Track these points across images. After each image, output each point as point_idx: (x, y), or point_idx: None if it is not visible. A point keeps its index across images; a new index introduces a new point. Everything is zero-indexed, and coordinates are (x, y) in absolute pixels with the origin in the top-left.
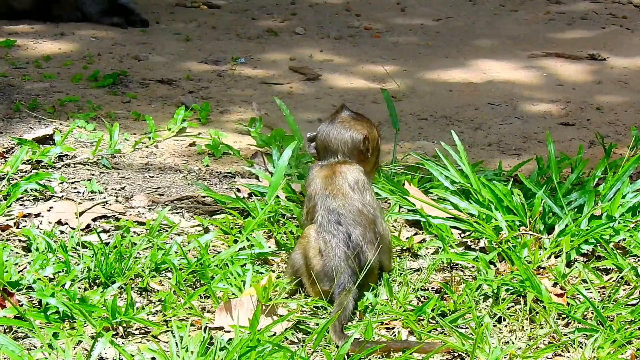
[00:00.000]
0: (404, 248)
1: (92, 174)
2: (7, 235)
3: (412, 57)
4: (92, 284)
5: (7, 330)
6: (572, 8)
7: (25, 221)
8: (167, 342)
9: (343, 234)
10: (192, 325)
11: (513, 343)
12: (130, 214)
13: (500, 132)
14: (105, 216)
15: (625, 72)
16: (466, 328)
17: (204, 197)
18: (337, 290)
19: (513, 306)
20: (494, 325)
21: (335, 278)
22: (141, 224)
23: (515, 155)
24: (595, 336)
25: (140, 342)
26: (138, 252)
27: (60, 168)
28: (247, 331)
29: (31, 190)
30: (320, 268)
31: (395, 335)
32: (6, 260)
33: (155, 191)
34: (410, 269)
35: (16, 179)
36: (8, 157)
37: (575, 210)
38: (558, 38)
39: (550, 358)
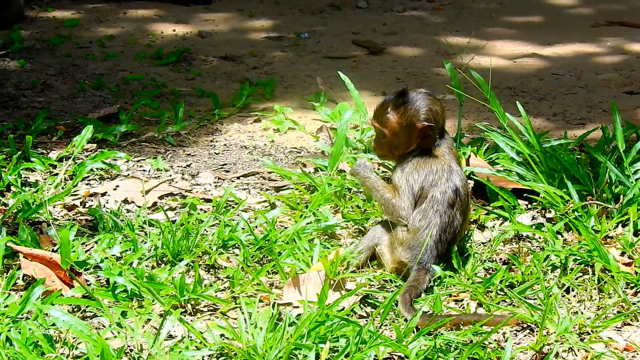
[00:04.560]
0: (472, 220)
1: (158, 152)
2: (73, 214)
3: (475, 29)
4: (160, 262)
5: (75, 310)
6: None
7: (92, 200)
8: (235, 319)
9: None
10: (260, 301)
11: (582, 313)
12: (197, 191)
13: (565, 102)
14: (171, 194)
15: None
16: (535, 299)
17: (269, 172)
18: (416, 268)
19: (581, 276)
20: (563, 296)
21: (419, 255)
22: (207, 201)
23: (581, 124)
24: None
25: (209, 319)
26: (205, 229)
27: (125, 146)
28: (315, 306)
29: (97, 169)
30: (407, 242)
31: (464, 307)
32: (73, 240)
33: (221, 168)
34: (478, 240)
35: (82, 158)
36: (73, 137)
37: None
38: (621, 7)
39: (620, 327)
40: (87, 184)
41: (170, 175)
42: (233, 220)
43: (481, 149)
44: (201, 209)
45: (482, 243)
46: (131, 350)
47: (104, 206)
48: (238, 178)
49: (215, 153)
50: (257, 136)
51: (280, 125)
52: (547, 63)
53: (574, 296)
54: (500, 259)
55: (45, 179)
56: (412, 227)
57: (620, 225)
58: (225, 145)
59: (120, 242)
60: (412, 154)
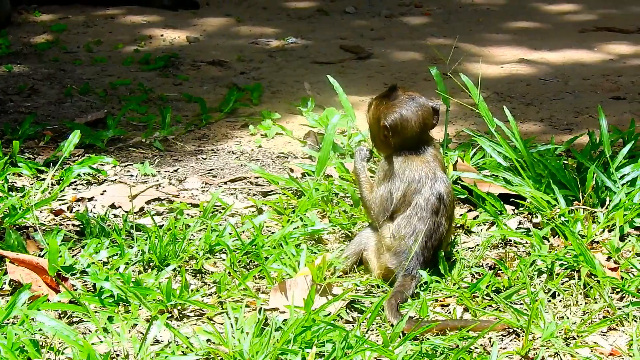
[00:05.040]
0: (458, 225)
1: (145, 157)
2: (60, 219)
3: (463, 34)
4: (146, 267)
5: (61, 315)
6: None
7: (79, 205)
8: (222, 324)
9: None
10: (247, 306)
11: (568, 318)
12: (184, 196)
13: (552, 108)
14: (158, 199)
15: None
16: (521, 304)
17: (257, 177)
18: (402, 274)
19: (567, 281)
20: (549, 301)
21: (405, 262)
22: (195, 205)
23: (567, 130)
24: None
25: (196, 324)
26: (192, 234)
27: (112, 151)
28: (302, 311)
29: (84, 174)
30: (393, 248)
31: (450, 312)
32: (60, 245)
33: (209, 173)
34: (465, 245)
35: (69, 163)
36: (60, 142)
37: (628, 183)
38: (609, 12)
39: (605, 332)
40: (74, 189)
41: (158, 180)
42: (220, 225)
43: (468, 154)
44: (188, 214)
45: (469, 248)
46: (117, 355)
47: (91, 211)
48: (225, 183)
49: (202, 158)
50: (244, 141)
51: (268, 131)
52: (534, 68)
53: (560, 301)
54: (487, 264)
55: (32, 184)
56: (398, 234)
57: (606, 230)
58: (212, 150)
59: (107, 247)
60: (396, 155)
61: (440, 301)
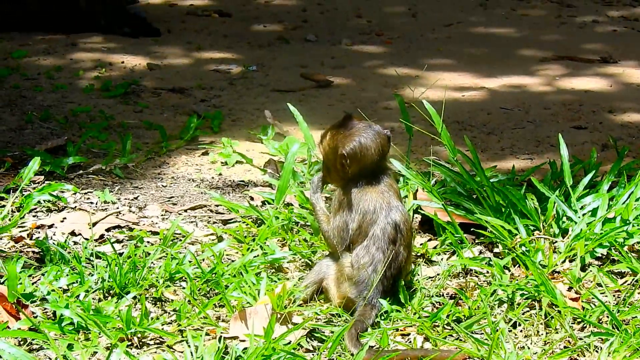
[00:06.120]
0: (419, 254)
1: (105, 184)
2: (20, 246)
3: (424, 63)
4: (107, 295)
5: (21, 343)
6: (584, 12)
7: (39, 232)
8: (182, 352)
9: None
10: (207, 334)
11: (529, 348)
12: (144, 224)
13: (513, 137)
14: (118, 226)
15: (638, 75)
16: (481, 334)
17: (217, 205)
18: (362, 303)
19: (528, 311)
20: (509, 331)
21: (364, 291)
22: (155, 233)
23: (529, 159)
24: (611, 340)
25: (155, 352)
26: (152, 262)
27: (73, 179)
28: (262, 340)
29: (44, 201)
30: (352, 278)
31: (410, 342)
32: (20, 272)
33: (169, 200)
34: (425, 275)
35: (29, 190)
36: (20, 169)
37: (589, 213)
38: (569, 41)
39: None
40: (34, 216)
41: (118, 208)
42: (180, 253)
43: (428, 183)
44: (148, 242)
45: (430, 277)
46: None
47: (51, 238)
48: (185, 211)
49: (162, 186)
50: (204, 169)
51: (228, 159)
52: (495, 96)
53: (521, 331)
54: (448, 293)
55: None
56: (357, 264)
57: (567, 260)
58: (172, 178)
59: (67, 275)
60: (352, 186)
61: (401, 330)
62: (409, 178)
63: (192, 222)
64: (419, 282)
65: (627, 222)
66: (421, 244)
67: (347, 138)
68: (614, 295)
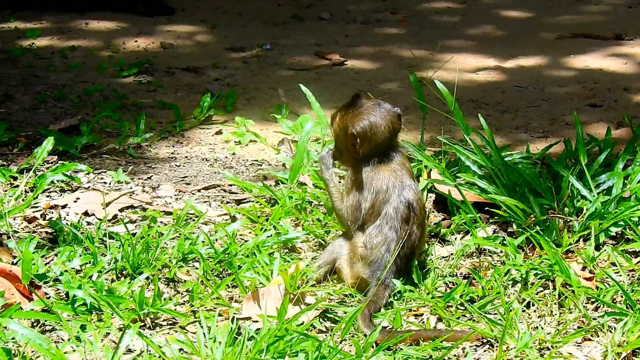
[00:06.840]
0: (432, 234)
1: (119, 164)
2: (33, 227)
3: (439, 41)
4: (119, 275)
5: (34, 324)
6: None
7: (52, 213)
8: (194, 333)
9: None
10: (219, 315)
11: (542, 328)
12: (157, 204)
13: (527, 115)
14: (132, 206)
15: None
16: (495, 314)
17: (230, 185)
18: (375, 282)
19: (542, 291)
20: (523, 311)
21: (378, 271)
22: (168, 213)
23: (543, 137)
24: (625, 320)
25: (168, 333)
26: (165, 242)
27: (86, 158)
28: (274, 320)
29: (57, 181)
30: (366, 258)
31: (423, 322)
32: (33, 253)
33: (182, 180)
34: (439, 255)
35: (42, 170)
36: (34, 148)
37: (604, 192)
38: (584, 20)
39: (580, 342)
40: (47, 196)
41: (131, 188)
42: (193, 233)
43: (443, 162)
44: (161, 222)
45: (443, 257)
46: None
47: (64, 219)
48: (199, 191)
49: (176, 165)
50: (218, 148)
51: (242, 138)
52: (510, 76)
53: (535, 311)
54: (461, 273)
55: (6, 191)
56: (369, 243)
57: (581, 239)
58: (186, 157)
59: (80, 255)
60: (364, 165)
61: (414, 311)
62: (421, 160)
63: (205, 202)
64: (432, 261)
65: None
66: (435, 224)
67: (356, 117)
68: (628, 275)
